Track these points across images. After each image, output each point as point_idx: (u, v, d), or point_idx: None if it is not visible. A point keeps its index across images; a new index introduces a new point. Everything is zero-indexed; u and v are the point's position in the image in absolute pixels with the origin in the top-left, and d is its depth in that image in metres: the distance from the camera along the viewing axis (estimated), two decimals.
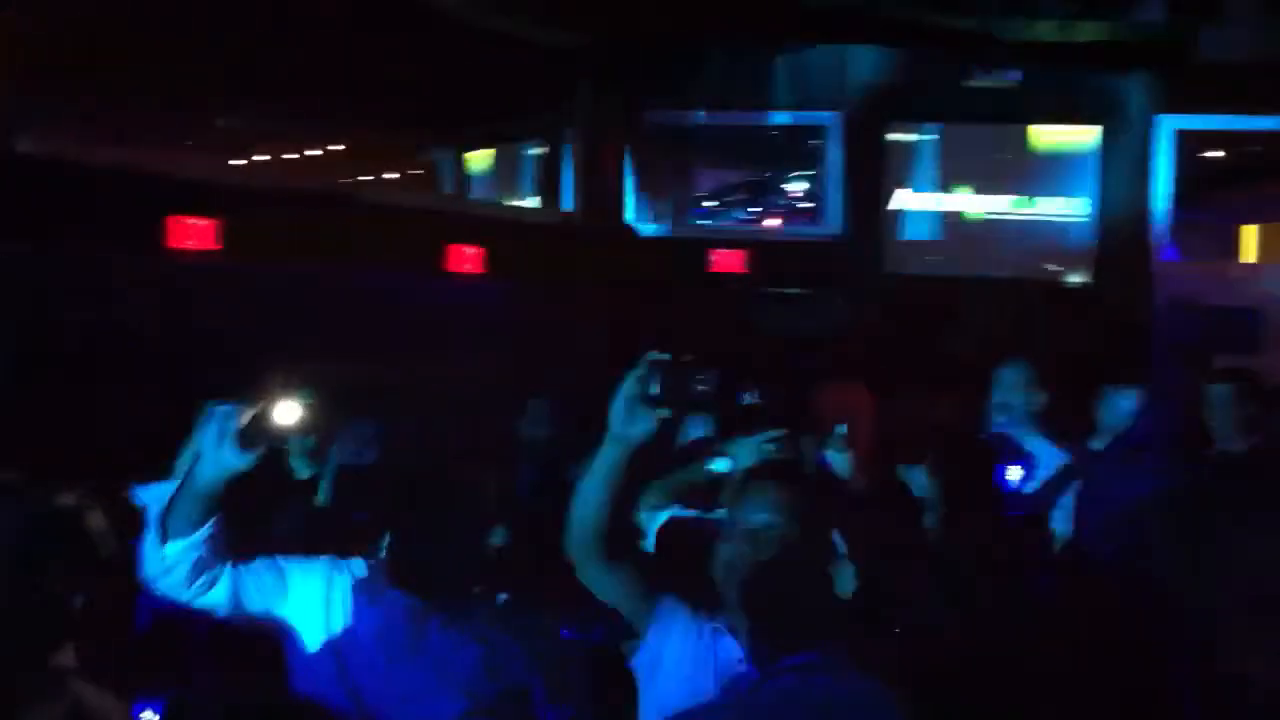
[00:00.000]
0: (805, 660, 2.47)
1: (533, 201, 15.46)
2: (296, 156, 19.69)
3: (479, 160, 16.90)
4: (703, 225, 17.93)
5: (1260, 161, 16.57)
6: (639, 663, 2.88)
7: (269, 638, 3.10)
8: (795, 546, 2.70)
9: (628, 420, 2.76)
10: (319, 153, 19.33)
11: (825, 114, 14.14)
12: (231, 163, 18.31)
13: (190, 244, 8.45)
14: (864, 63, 12.97)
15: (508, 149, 16.15)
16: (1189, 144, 14.76)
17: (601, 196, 13.80)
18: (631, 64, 12.69)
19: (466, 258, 10.86)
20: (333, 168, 19.52)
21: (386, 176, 20.30)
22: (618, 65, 12.62)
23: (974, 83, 12.73)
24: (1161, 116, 13.42)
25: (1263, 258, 19.71)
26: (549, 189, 14.98)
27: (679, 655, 2.85)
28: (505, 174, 16.38)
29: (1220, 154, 16.33)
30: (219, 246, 8.59)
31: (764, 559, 2.66)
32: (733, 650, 2.77)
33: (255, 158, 19.41)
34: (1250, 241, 20.18)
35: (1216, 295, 12.21)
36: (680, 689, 2.75)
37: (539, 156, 15.47)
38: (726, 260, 13.57)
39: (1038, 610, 3.53)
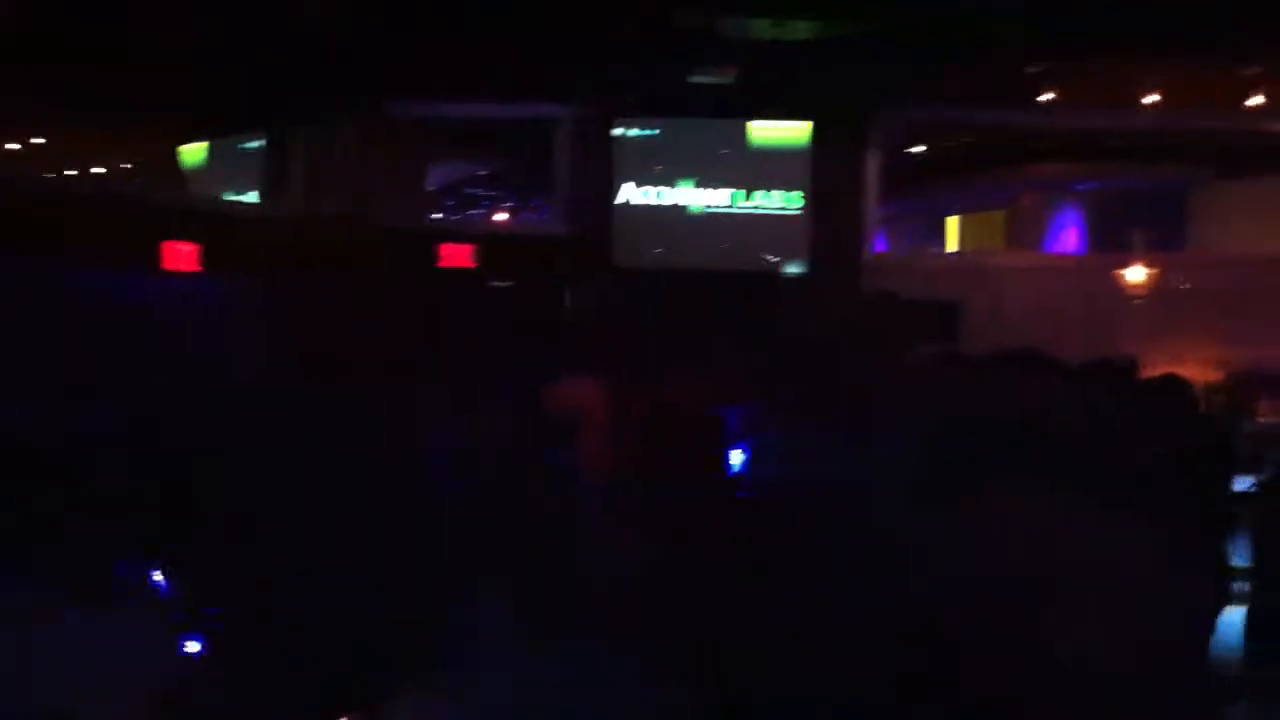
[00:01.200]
0: (573, 646, 2.50)
1: (253, 197, 15.02)
2: None
3: (194, 154, 16.32)
4: (432, 219, 17.81)
5: (963, 154, 17.54)
6: None
7: None
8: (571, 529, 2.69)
9: None
10: (18, 147, 18.27)
11: (553, 107, 14.25)
12: None
13: None
14: (592, 56, 13.11)
15: (226, 142, 15.64)
16: (897, 138, 15.49)
17: (328, 190, 13.52)
18: (362, 55, 12.46)
19: (183, 255, 10.50)
20: (36, 161, 18.51)
21: (94, 171, 19.38)
22: (346, 56, 12.36)
23: (694, 79, 13.02)
24: (871, 111, 14.04)
25: (965, 246, 20.87)
26: (272, 183, 14.58)
27: (452, 636, 2.83)
28: (223, 168, 15.84)
29: (926, 148, 17.20)
30: None
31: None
32: (506, 628, 2.75)
33: None
34: (954, 231, 21.33)
35: (921, 286, 12.81)
36: (455, 670, 2.73)
37: (261, 149, 15.03)
38: (456, 255, 13.50)
39: (783, 595, 3.63)
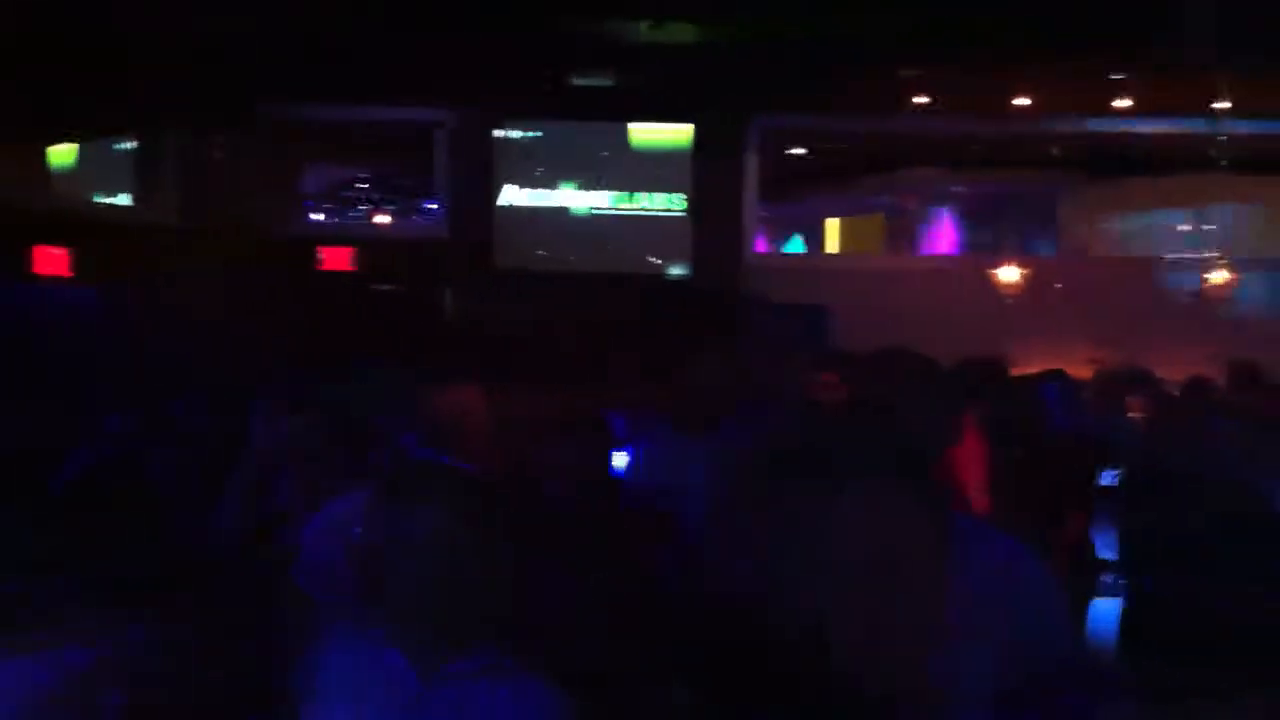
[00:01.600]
0: (468, 666, 2.46)
1: (127, 200, 14.69)
2: None
3: (64, 155, 15.91)
4: (312, 222, 17.60)
5: (843, 158, 17.79)
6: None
7: None
8: (457, 549, 2.63)
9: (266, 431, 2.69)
10: None
11: (433, 111, 14.15)
12: None
13: None
14: (471, 59, 13.04)
15: (98, 144, 15.27)
16: (778, 141, 15.65)
17: (206, 194, 13.28)
18: (241, 55, 12.24)
19: (53, 259, 10.25)
20: None
21: None
22: (225, 57, 12.12)
23: (574, 81, 13.02)
24: (751, 115, 14.16)
25: (845, 249, 21.14)
26: (146, 186, 14.28)
27: (339, 671, 2.72)
28: (96, 170, 15.47)
29: (806, 152, 17.40)
30: None
31: (424, 563, 2.57)
32: (397, 660, 2.66)
33: None
34: (834, 234, 21.60)
35: (798, 291, 12.91)
36: (346, 706, 2.63)
37: (134, 152, 14.70)
38: (336, 258, 13.37)
39: (666, 598, 3.64)
